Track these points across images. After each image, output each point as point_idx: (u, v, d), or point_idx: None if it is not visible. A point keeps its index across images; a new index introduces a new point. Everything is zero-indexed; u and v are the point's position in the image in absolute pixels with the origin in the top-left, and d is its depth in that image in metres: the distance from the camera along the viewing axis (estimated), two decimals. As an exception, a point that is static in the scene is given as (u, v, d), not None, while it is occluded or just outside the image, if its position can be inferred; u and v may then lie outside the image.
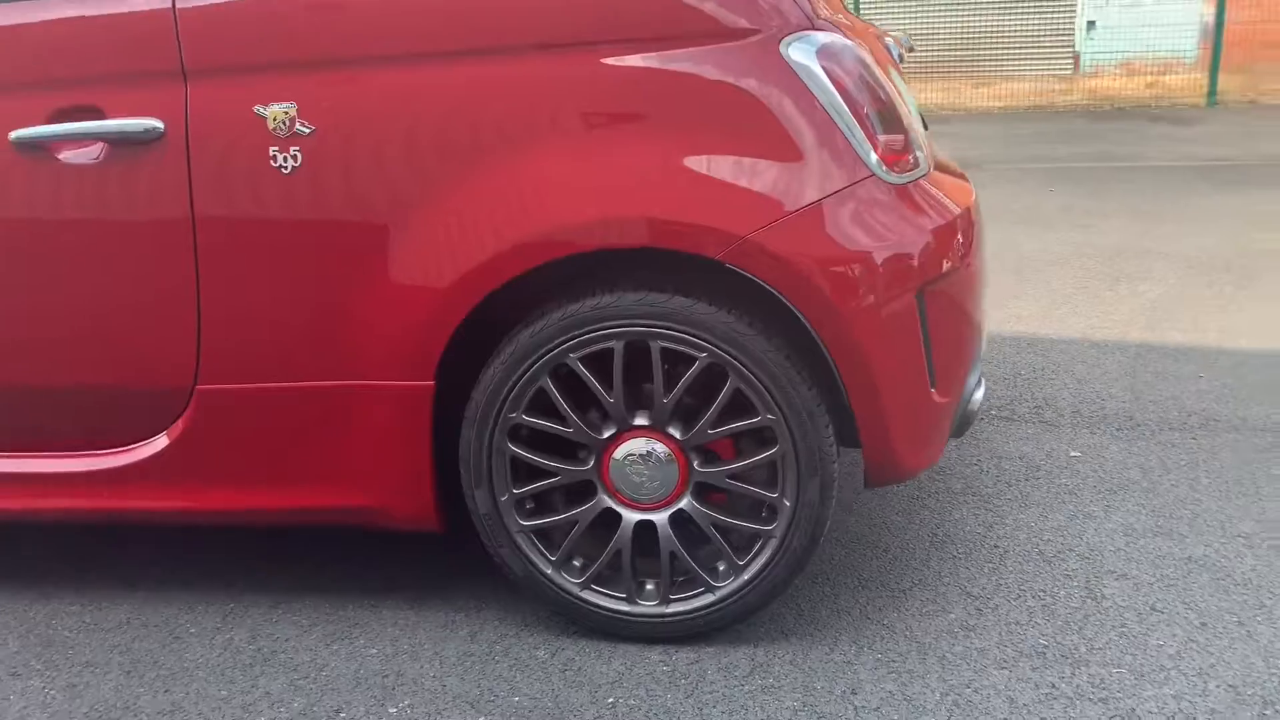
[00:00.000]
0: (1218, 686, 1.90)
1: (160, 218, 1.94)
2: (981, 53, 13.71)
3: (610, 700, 1.92)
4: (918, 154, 2.03)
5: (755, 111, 1.86)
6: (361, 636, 2.14)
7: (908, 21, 13.16)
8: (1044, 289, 4.33)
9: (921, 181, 2.01)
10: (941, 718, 1.84)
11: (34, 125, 1.94)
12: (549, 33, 1.87)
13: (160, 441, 2.08)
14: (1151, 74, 12.89)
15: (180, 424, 2.06)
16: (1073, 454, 2.85)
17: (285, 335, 1.98)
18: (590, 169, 1.86)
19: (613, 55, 1.86)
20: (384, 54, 1.88)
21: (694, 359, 1.91)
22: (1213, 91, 10.50)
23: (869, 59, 1.98)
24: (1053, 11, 13.92)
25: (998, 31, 13.69)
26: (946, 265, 1.98)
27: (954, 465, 2.81)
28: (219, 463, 2.07)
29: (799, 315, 1.87)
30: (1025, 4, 13.29)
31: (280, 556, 2.45)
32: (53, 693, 2.01)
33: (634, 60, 1.85)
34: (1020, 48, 13.86)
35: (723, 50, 1.86)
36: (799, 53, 1.88)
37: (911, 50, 2.62)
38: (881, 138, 1.93)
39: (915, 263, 1.91)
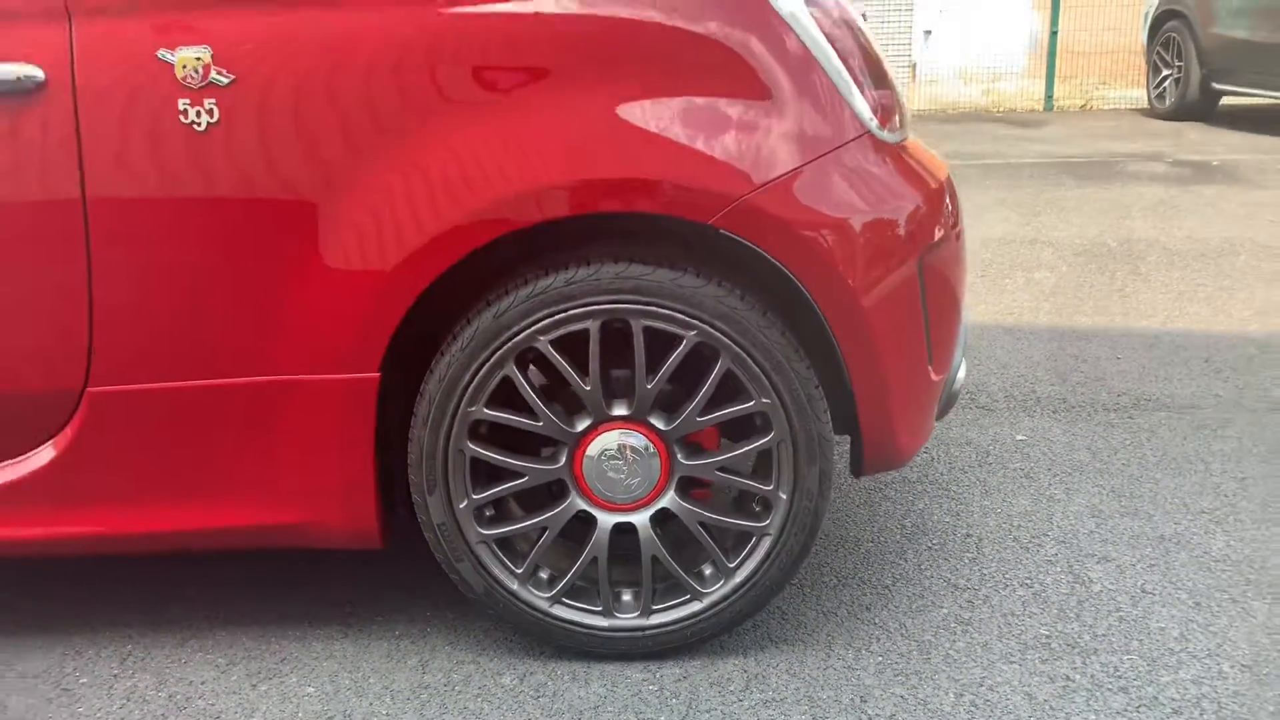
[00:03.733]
0: (1232, 668, 1.81)
1: (41, 184, 1.61)
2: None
3: (598, 728, 1.69)
4: (906, 111, 1.88)
5: (745, 62, 1.67)
6: (293, 674, 1.84)
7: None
8: (944, 278, 4.30)
9: (907, 143, 1.87)
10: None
11: (-127, 73, 1.58)
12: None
13: (44, 455, 1.74)
14: (985, 81, 13.40)
15: (68, 433, 1.73)
16: (1019, 438, 2.77)
17: (197, 325, 1.68)
18: (575, 122, 1.63)
19: (588, -5, 1.64)
20: (320, -11, 1.61)
21: (681, 338, 1.70)
22: (1049, 96, 10.94)
23: (853, 11, 1.83)
24: (891, 21, 14.33)
25: (840, 40, 14.03)
26: (942, 231, 1.84)
27: (903, 454, 2.68)
28: (116, 478, 1.75)
29: (797, 283, 1.68)
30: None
31: (178, 582, 2.12)
32: (-88, 767, 1.65)
33: (616, 8, 1.64)
34: (862, 56, 14.23)
35: (708, -8, 1.67)
36: (787, 1, 1.70)
37: (865, 17, 2.49)
38: (875, 93, 1.77)
39: (917, 227, 1.76)
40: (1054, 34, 11.06)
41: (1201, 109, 8.98)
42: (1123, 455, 2.65)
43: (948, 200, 1.89)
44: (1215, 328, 3.60)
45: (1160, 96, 9.56)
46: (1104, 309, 3.84)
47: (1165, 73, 9.47)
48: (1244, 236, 4.82)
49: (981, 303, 3.98)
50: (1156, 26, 9.77)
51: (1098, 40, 12.97)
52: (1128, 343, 3.48)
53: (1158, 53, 9.62)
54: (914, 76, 14.44)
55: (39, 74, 1.59)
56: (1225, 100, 9.08)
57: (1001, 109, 11.28)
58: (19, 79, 1.58)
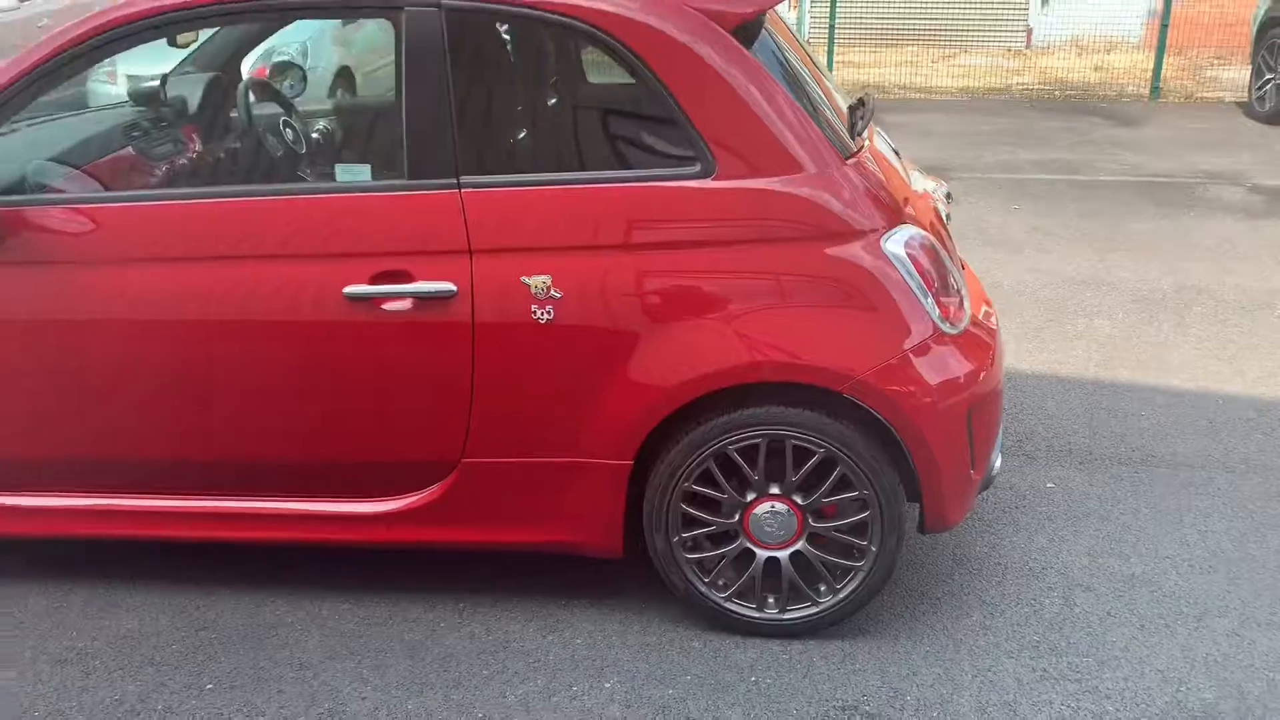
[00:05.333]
0: (1150, 671, 2.88)
1: (451, 353, 2.78)
2: (940, 23, 14.64)
3: (754, 679, 2.86)
4: (966, 305, 2.93)
5: (866, 288, 2.74)
6: (566, 629, 3.05)
7: (869, -11, 14.08)
8: (1018, 321, 5.28)
9: (969, 327, 2.91)
10: (974, 692, 2.81)
11: (360, 284, 2.75)
12: (733, 232, 2.72)
13: (430, 492, 2.95)
14: (1099, 51, 13.85)
15: (448, 481, 2.93)
16: (1048, 485, 3.81)
17: (531, 429, 2.85)
18: (762, 325, 2.73)
19: (782, 248, 2.72)
20: (620, 243, 2.72)
21: (814, 452, 2.81)
22: (1155, 87, 11.42)
23: (936, 242, 2.87)
24: (1010, -14, 14.86)
25: (957, 2, 14.67)
26: (985, 379, 2.89)
27: (962, 493, 3.75)
28: (474, 510, 2.95)
29: (889, 426, 2.77)
30: (984, -24, 14.25)
31: (489, 568, 3.32)
32: (364, 671, 2.89)
33: (798, 251, 2.72)
34: (978, 20, 14.80)
35: (849, 246, 2.73)
36: (893, 245, 2.76)
37: (950, 198, 3.50)
38: (944, 300, 2.82)
39: (966, 384, 2.82)
40: (1164, 26, 11.47)
41: (1300, 116, 9.55)
42: (1122, 505, 3.68)
43: (992, 357, 2.94)
44: (1229, 388, 4.55)
45: (1261, 99, 10.11)
46: (1144, 364, 4.79)
47: (1268, 76, 10.00)
48: (1286, 289, 5.66)
49: (1045, 350, 4.96)
50: (1263, 30, 10.27)
51: (1217, 10, 13.28)
52: (1155, 399, 4.45)
53: (1262, 57, 10.13)
54: (1028, 43, 14.93)
55: (453, 288, 2.74)
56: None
57: (1107, 93, 11.75)
58: (442, 291, 2.74)
